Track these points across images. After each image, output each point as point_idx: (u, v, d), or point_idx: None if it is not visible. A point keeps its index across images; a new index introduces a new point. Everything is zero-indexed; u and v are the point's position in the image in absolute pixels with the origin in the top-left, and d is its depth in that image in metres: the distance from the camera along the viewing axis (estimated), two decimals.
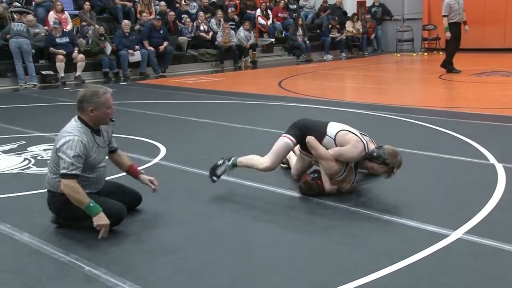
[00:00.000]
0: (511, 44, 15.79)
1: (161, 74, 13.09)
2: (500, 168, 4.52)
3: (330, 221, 3.56)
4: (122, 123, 7.28)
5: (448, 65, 11.52)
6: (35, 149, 5.69)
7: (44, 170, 4.91)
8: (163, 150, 5.59)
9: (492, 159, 4.82)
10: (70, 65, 12.12)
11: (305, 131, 4.03)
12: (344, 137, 3.91)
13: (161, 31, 13.32)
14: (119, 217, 3.39)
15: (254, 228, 3.40)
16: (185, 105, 8.87)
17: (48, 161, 3.55)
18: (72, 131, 3.33)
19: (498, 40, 15.84)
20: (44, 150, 5.65)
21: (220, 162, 4.25)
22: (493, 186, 4.05)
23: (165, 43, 13.25)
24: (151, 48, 13.04)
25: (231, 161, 4.22)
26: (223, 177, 4.28)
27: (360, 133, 4.02)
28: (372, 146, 3.95)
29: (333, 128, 4.01)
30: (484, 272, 2.77)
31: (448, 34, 11.18)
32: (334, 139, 3.92)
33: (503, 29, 15.93)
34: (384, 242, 3.21)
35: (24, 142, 6.03)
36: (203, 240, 3.32)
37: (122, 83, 11.98)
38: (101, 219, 3.23)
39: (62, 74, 11.95)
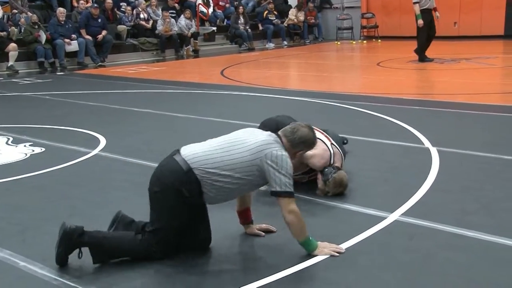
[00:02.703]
0: (444, 32, 16.35)
1: (100, 63, 12.76)
2: (434, 152, 4.69)
3: (273, 208, 3.58)
4: (60, 115, 7.08)
5: (420, 53, 11.15)
6: None
7: None
8: (103, 141, 5.47)
9: (427, 143, 5.00)
10: (2, 55, 11.63)
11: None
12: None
13: (99, 20, 12.97)
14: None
15: None
16: (126, 95, 8.69)
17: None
18: (284, 152, 2.81)
19: None
20: None
21: None
22: (428, 169, 4.21)
23: (104, 32, 12.91)
24: (89, 37, 12.68)
25: None
26: None
27: (331, 144, 3.92)
28: (338, 162, 3.86)
29: None
30: (418, 251, 2.88)
31: (421, 22, 10.71)
32: None
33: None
34: (326, 226, 3.27)
35: None
36: None
37: (59, 73, 11.61)
38: (324, 251, 2.80)
39: None
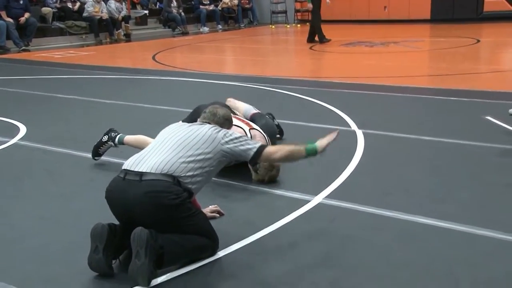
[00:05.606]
0: (375, 15, 16.77)
1: (23, 48, 12.19)
2: (360, 134, 4.78)
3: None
4: None
5: (320, 36, 11.83)
6: None
7: None
8: (23, 130, 5.22)
9: (353, 126, 5.08)
10: None
11: None
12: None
13: (21, 1, 12.35)
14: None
15: None
16: (50, 81, 8.33)
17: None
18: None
19: (363, 12, 16.74)
20: None
21: (105, 139, 4.05)
22: (353, 152, 4.27)
23: (26, 14, 12.32)
24: (10, 20, 12.05)
25: (117, 139, 4.02)
26: (88, 155, 4.10)
27: (251, 128, 3.88)
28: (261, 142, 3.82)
29: None
30: (339, 232, 2.91)
31: (310, 6, 11.54)
32: None
33: (367, 1, 16.84)
34: (250, 211, 3.26)
35: None
36: (64, 222, 3.15)
37: None
38: (324, 143, 2.85)
39: None
